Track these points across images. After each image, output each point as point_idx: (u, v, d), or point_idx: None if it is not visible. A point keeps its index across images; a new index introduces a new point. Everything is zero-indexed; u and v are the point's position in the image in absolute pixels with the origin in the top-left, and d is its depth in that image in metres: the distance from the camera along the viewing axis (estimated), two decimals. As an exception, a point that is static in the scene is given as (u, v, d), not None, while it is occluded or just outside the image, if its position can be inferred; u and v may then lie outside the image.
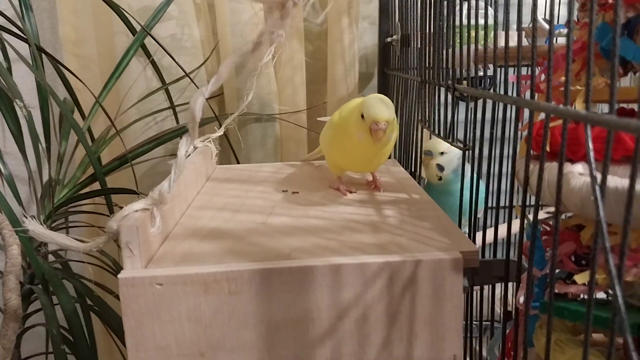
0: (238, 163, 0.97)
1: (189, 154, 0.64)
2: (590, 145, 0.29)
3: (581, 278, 0.36)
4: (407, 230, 0.47)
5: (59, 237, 0.43)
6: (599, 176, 0.35)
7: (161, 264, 0.41)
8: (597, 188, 0.28)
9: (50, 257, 0.88)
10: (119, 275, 0.39)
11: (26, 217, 0.43)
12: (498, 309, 0.91)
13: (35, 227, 0.43)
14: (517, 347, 0.41)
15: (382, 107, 0.53)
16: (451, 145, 0.55)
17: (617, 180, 0.32)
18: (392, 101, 0.92)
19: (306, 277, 0.39)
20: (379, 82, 1.01)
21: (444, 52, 0.57)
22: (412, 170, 0.76)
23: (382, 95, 0.56)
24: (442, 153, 0.77)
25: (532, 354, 0.43)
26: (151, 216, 0.43)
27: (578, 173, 0.35)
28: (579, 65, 0.41)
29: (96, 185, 0.87)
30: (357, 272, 0.40)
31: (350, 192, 0.60)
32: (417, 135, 0.77)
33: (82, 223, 0.94)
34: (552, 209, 0.47)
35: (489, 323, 0.92)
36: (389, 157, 0.82)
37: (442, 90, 0.64)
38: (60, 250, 0.90)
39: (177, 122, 0.99)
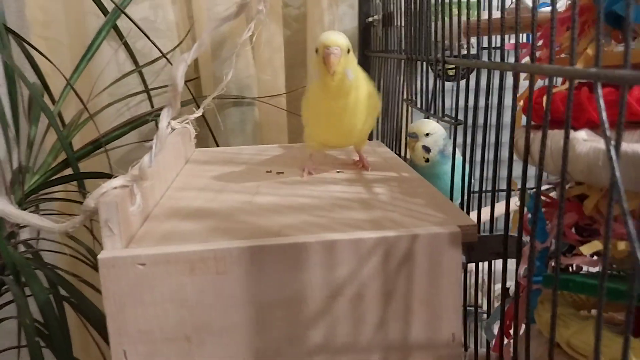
0: (218, 147, 0.94)
1: (171, 129, 0.61)
2: (602, 104, 0.27)
3: (587, 249, 0.35)
4: (399, 206, 0.45)
5: (31, 217, 0.40)
6: (603, 144, 0.34)
7: (142, 243, 0.39)
8: (612, 149, 0.26)
9: (21, 248, 0.84)
10: (98, 256, 0.37)
11: (-5, 197, 0.40)
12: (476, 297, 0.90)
13: (5, 207, 0.40)
14: (517, 323, 0.40)
15: (332, 33, 0.51)
16: (441, 120, 0.53)
17: (625, 144, 0.31)
18: (374, 83, 0.91)
19: (298, 255, 0.37)
20: (359, 65, 0.99)
21: (433, 26, 0.56)
22: (398, 152, 0.75)
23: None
24: (427, 134, 0.75)
25: (532, 330, 0.42)
26: (131, 194, 0.40)
27: (582, 139, 0.34)
28: (577, 32, 0.40)
29: (68, 172, 0.84)
30: (352, 248, 0.38)
31: (338, 172, 0.58)
32: (401, 116, 0.75)
33: (54, 211, 0.90)
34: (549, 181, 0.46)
35: (472, 309, 0.91)
36: (370, 139, 0.80)
37: (430, 67, 0.62)
38: (31, 239, 0.86)
39: (152, 106, 0.95)
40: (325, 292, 0.38)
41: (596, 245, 0.35)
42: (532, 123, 0.41)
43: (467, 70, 0.95)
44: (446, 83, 0.61)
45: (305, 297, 0.38)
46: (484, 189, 0.45)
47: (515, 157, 0.40)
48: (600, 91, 0.28)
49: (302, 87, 1.06)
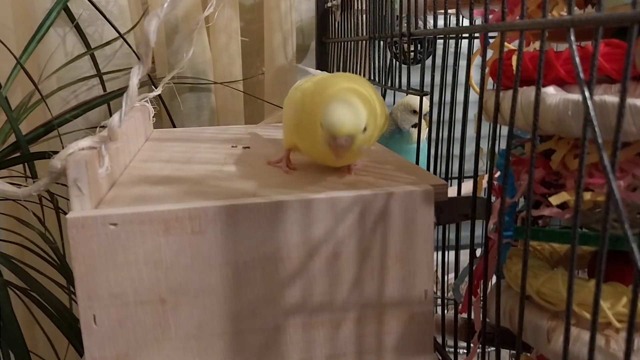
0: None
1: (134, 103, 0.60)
2: (575, 48, 0.28)
3: (555, 200, 0.36)
4: (371, 171, 0.45)
5: (-9, 182, 0.38)
6: (573, 95, 0.35)
7: (113, 205, 0.38)
8: (586, 92, 0.27)
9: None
10: (67, 216, 0.35)
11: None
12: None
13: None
14: (487, 278, 0.41)
15: (343, 115, 0.38)
16: (407, 93, 0.54)
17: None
18: (332, 70, 0.91)
19: (275, 214, 0.37)
20: (317, 53, 0.99)
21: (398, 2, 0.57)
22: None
23: (353, 96, 0.40)
24: None
25: (501, 285, 0.43)
26: (99, 155, 0.39)
27: (551, 93, 0.35)
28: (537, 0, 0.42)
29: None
30: (328, 206, 0.38)
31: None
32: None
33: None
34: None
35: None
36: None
37: (389, 46, 0.63)
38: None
39: (105, 90, 0.93)
40: (301, 251, 0.38)
41: (564, 196, 0.36)
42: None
43: (428, 51, 0.97)
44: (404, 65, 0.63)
45: (281, 256, 0.38)
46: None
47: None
48: (573, 37, 0.29)
49: (260, 74, 1.06)
